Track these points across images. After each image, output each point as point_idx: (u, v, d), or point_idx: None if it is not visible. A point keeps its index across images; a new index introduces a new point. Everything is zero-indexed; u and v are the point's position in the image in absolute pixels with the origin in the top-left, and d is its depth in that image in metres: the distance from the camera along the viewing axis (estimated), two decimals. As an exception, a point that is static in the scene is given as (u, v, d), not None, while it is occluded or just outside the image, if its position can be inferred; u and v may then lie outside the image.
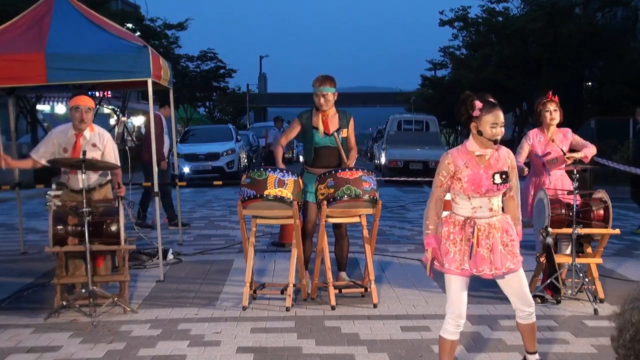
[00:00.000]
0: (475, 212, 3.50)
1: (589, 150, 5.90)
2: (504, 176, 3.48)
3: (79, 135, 5.74)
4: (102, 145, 5.79)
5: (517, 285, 3.59)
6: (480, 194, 3.47)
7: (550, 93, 5.98)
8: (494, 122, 3.41)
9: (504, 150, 3.57)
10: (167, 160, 10.07)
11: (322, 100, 5.84)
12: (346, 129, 5.96)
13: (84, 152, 5.31)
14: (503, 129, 3.45)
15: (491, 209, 3.51)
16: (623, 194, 11.45)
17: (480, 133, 3.43)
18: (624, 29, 24.45)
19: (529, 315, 3.62)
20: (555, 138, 5.98)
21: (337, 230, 6.06)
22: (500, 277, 3.55)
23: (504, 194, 3.63)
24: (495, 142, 3.45)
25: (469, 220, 3.49)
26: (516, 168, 3.65)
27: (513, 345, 4.53)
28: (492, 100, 3.49)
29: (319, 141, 5.90)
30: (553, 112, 5.92)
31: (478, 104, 3.42)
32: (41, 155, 5.82)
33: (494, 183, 3.46)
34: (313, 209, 5.84)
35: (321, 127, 5.86)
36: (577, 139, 6.05)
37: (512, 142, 22.90)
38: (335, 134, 5.86)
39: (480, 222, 3.49)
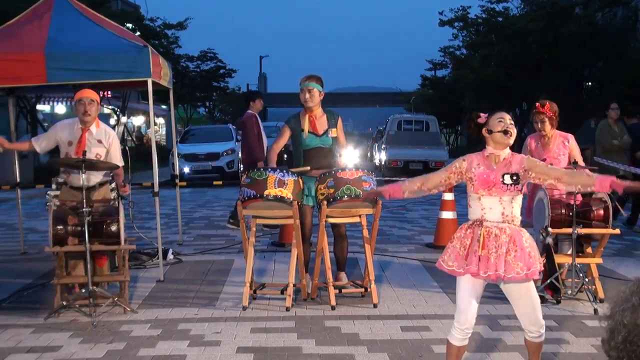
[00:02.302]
0: (485, 213, 3.50)
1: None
2: (514, 177, 3.51)
3: (85, 130, 5.75)
4: (107, 142, 5.81)
5: (526, 304, 3.52)
6: (489, 191, 3.49)
7: (539, 105, 5.87)
8: (500, 117, 3.59)
9: (519, 156, 3.63)
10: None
11: (307, 95, 5.81)
12: (335, 129, 5.96)
13: (84, 152, 5.32)
14: (514, 128, 3.58)
15: (503, 213, 3.49)
16: (623, 194, 11.47)
17: (491, 132, 3.57)
18: (624, 29, 24.39)
19: (539, 336, 3.57)
20: (554, 142, 5.96)
21: (337, 230, 6.04)
22: (504, 281, 3.50)
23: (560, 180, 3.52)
24: (505, 132, 3.53)
25: (477, 222, 3.51)
26: (541, 163, 3.65)
27: (513, 345, 4.53)
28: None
29: (309, 143, 5.88)
30: (541, 123, 5.85)
31: (482, 114, 3.65)
32: (41, 144, 5.87)
33: (504, 183, 3.48)
34: (309, 213, 5.85)
35: (307, 128, 5.85)
36: (575, 152, 6.00)
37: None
38: (331, 129, 5.88)
39: (488, 224, 3.49)
